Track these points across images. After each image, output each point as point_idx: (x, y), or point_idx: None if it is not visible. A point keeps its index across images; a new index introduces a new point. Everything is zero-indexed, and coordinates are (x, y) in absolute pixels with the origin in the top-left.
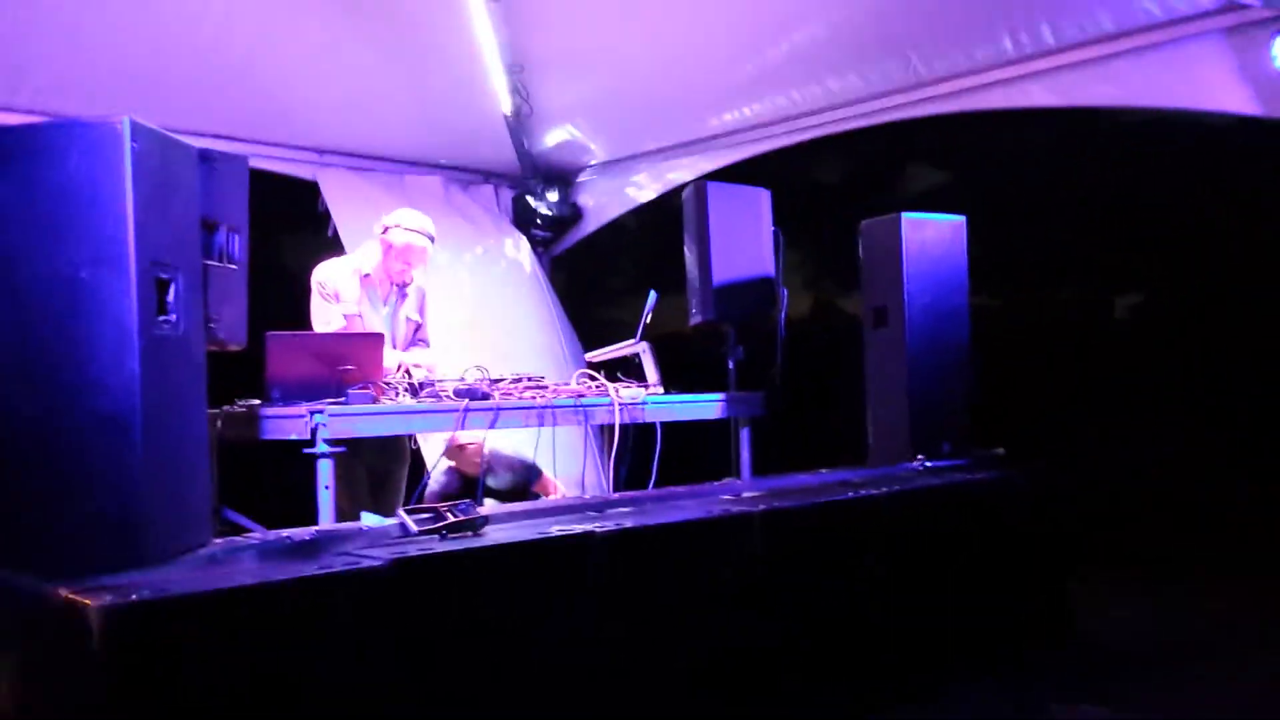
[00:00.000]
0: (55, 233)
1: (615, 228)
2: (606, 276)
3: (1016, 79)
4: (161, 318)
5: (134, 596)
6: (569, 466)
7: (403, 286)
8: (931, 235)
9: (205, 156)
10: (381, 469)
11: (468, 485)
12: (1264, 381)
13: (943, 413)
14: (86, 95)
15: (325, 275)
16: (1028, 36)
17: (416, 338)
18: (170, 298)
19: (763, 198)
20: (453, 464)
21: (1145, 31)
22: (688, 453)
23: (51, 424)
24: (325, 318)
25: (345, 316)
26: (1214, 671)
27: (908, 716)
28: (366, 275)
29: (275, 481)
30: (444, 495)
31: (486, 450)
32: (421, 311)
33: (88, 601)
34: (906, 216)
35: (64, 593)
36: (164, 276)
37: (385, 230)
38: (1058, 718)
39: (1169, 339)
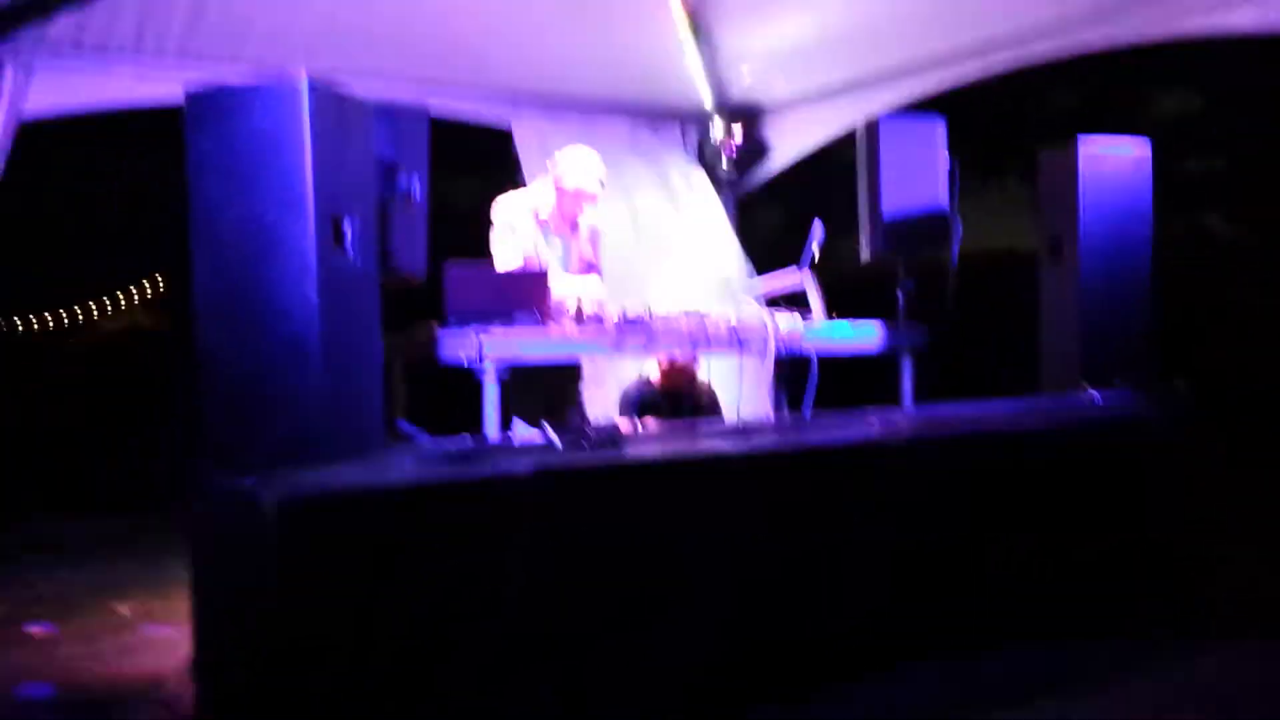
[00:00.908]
0: (247, 183)
1: (802, 166)
2: (793, 215)
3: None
4: (338, 252)
5: (302, 491)
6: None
7: (575, 224)
8: (1111, 161)
9: (386, 109)
10: (553, 397)
11: (664, 399)
12: None
13: (1117, 345)
14: (304, 46)
15: (504, 211)
16: None
17: (590, 274)
18: (346, 236)
19: (937, 128)
20: (654, 378)
21: None
22: (857, 385)
23: (246, 349)
24: (504, 252)
25: (520, 250)
26: None
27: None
28: (537, 211)
29: (465, 402)
30: (637, 402)
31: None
32: (595, 247)
33: (262, 494)
34: (1084, 141)
35: (246, 486)
36: (340, 215)
37: (558, 169)
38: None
39: None
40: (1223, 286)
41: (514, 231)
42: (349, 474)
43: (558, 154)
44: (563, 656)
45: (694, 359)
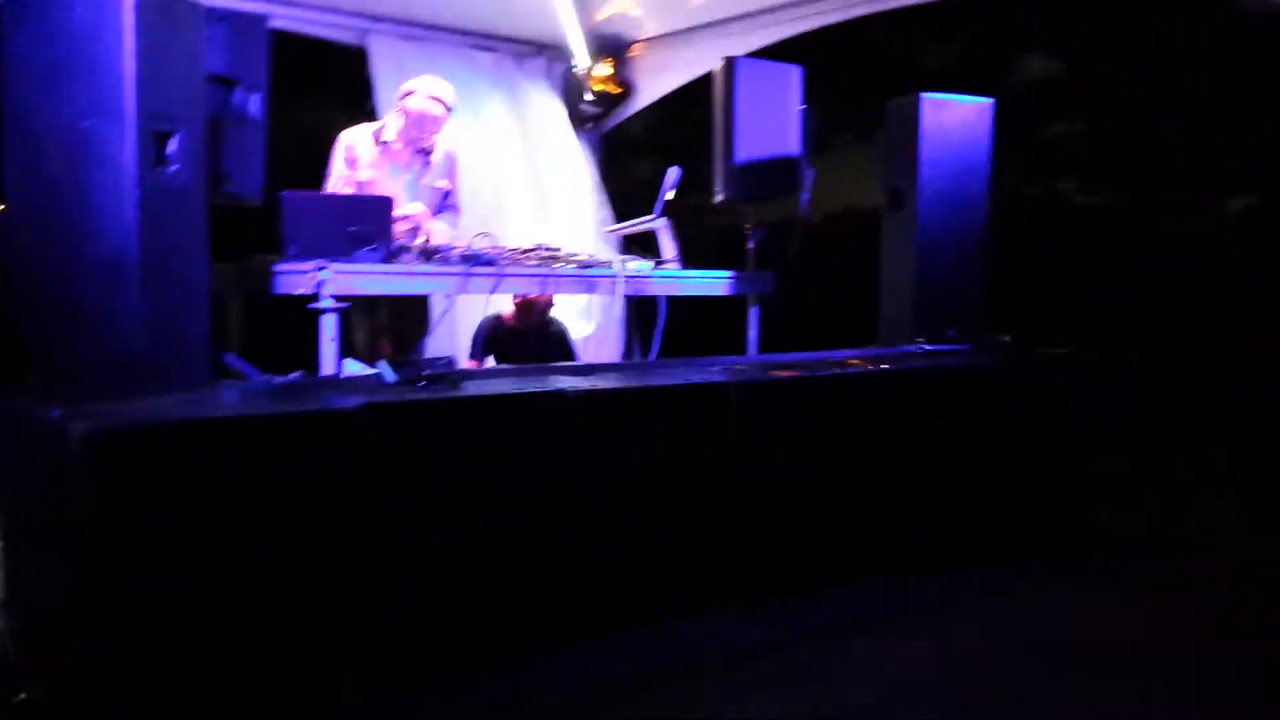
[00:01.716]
0: (62, 83)
1: (665, 104)
2: (654, 154)
3: None
4: (161, 169)
5: (112, 423)
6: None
7: (426, 153)
8: (953, 117)
9: (220, 16)
10: (399, 333)
11: (515, 338)
12: None
13: (952, 299)
14: None
15: (346, 140)
16: None
17: (445, 204)
18: (170, 150)
19: (793, 74)
20: (506, 314)
21: None
22: (705, 332)
23: (60, 267)
24: (334, 183)
25: (357, 184)
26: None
27: (908, 585)
28: (386, 142)
29: (302, 336)
30: (487, 339)
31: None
32: (451, 176)
33: (70, 426)
34: (927, 96)
35: (54, 416)
36: (164, 129)
37: (404, 96)
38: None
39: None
40: (1072, 251)
41: (354, 165)
42: (165, 407)
43: (406, 82)
44: (393, 599)
45: (548, 298)
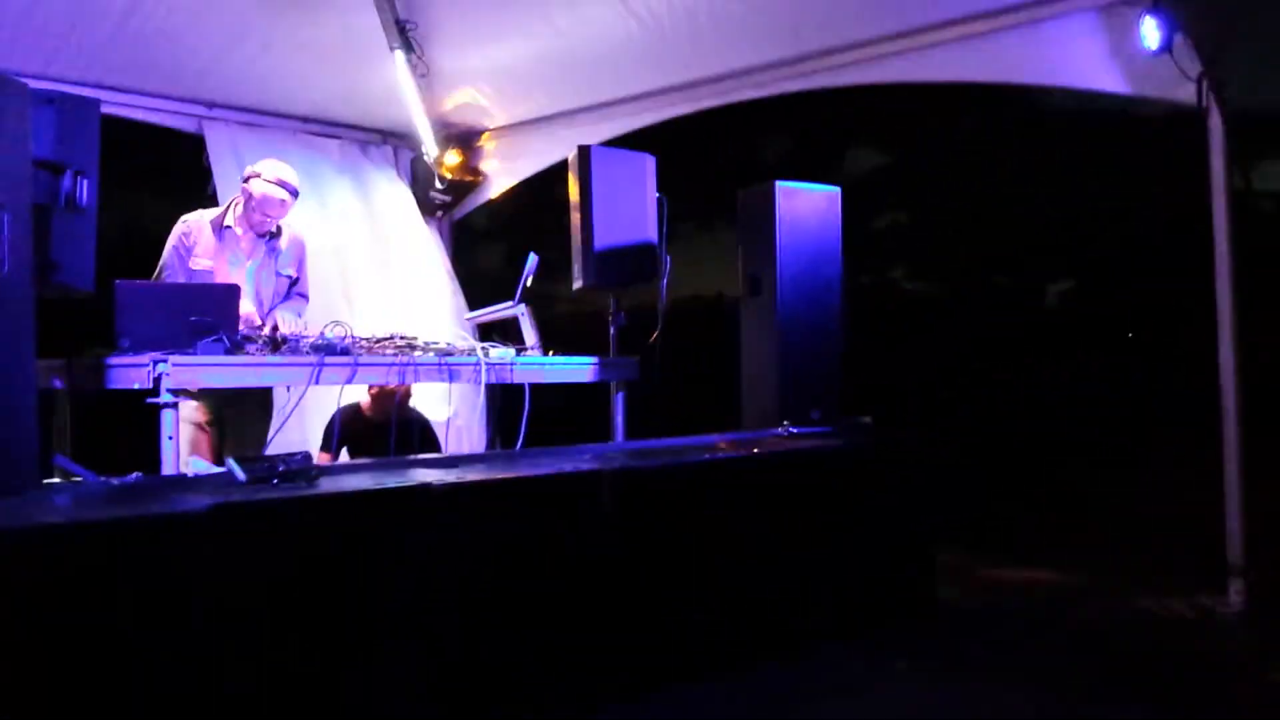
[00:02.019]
0: None
1: (519, 192)
2: (507, 242)
3: (906, 50)
4: None
5: None
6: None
7: (271, 240)
8: (806, 205)
9: (49, 98)
10: (240, 426)
11: (373, 428)
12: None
13: (812, 381)
14: None
15: (181, 228)
16: (917, 12)
17: (293, 292)
18: None
19: (647, 163)
20: (364, 404)
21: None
22: (569, 418)
23: None
24: (164, 273)
25: (190, 273)
26: (1057, 639)
27: (760, 672)
28: (227, 228)
29: (135, 433)
30: (343, 430)
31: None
32: (299, 266)
33: None
34: (781, 185)
35: None
36: None
37: (247, 179)
38: (900, 674)
39: (1075, 325)
40: (905, 335)
41: (189, 252)
42: None
43: (249, 166)
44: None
45: (407, 387)
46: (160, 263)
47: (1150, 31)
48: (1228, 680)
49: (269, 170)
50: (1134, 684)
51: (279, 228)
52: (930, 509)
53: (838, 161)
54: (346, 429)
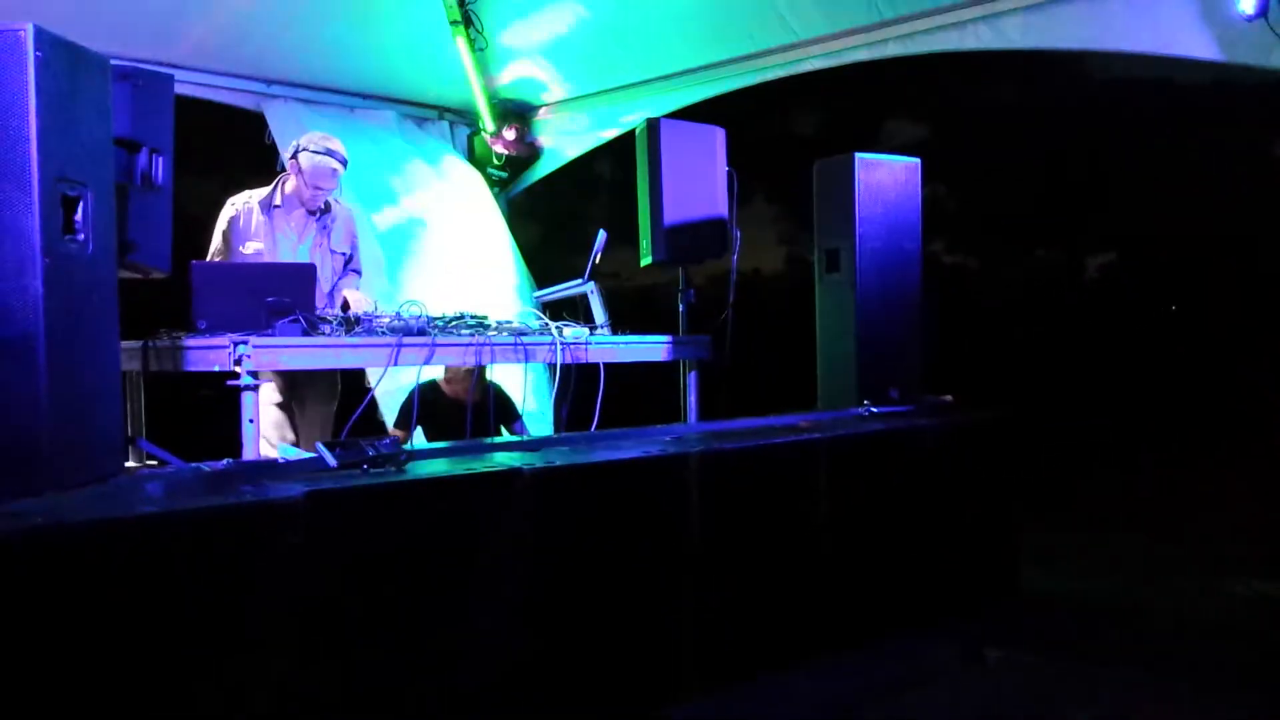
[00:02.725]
0: None
1: (575, 168)
2: (567, 218)
3: (988, 16)
4: (69, 237)
5: (24, 524)
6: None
7: (322, 217)
8: (885, 176)
9: (125, 73)
10: (310, 406)
11: (453, 406)
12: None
13: (892, 358)
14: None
15: (229, 212)
16: None
17: (348, 269)
18: (78, 216)
19: (717, 136)
20: (442, 382)
21: None
22: (638, 397)
23: None
24: (220, 258)
25: (245, 257)
26: (1141, 622)
27: (846, 661)
28: (277, 207)
29: (207, 415)
30: (422, 409)
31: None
32: (351, 242)
33: None
34: (860, 156)
35: None
36: (71, 194)
37: (294, 154)
38: (992, 662)
39: (1135, 300)
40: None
41: (238, 238)
42: (81, 504)
43: (294, 141)
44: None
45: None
46: (212, 248)
47: None
48: None
49: (316, 141)
50: (1210, 666)
51: (327, 204)
52: (1013, 491)
53: (874, 134)
54: (426, 406)
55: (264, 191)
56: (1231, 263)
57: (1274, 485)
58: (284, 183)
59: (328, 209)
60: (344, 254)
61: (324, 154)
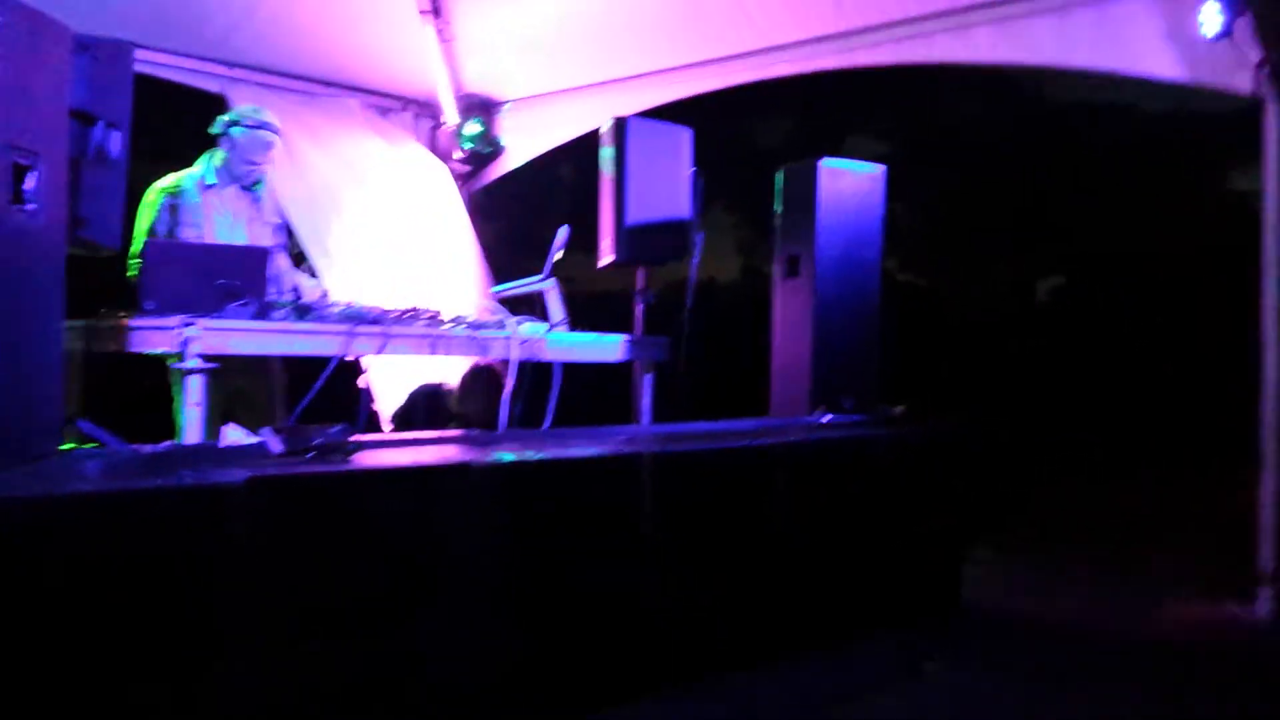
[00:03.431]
0: None
1: (536, 166)
2: (528, 214)
3: (957, 28)
4: (17, 207)
5: None
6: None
7: (251, 189)
8: (849, 184)
9: (85, 44)
10: (246, 390)
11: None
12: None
13: (847, 367)
14: None
15: (161, 199)
16: None
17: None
18: (29, 186)
19: (684, 137)
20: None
21: None
22: (591, 397)
23: None
24: (144, 233)
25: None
26: (1086, 640)
27: (790, 668)
28: (210, 186)
29: (149, 397)
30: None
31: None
32: (278, 209)
33: None
34: (825, 163)
35: None
36: (23, 162)
37: (228, 127)
38: (927, 676)
39: (1086, 320)
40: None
41: (176, 225)
42: (15, 483)
43: (221, 116)
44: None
45: (499, 368)
46: (146, 236)
47: (1211, 16)
48: (1255, 685)
49: (248, 114)
50: (1156, 686)
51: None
52: (961, 504)
53: (834, 148)
54: (439, 409)
55: (194, 172)
56: (1186, 283)
57: (1225, 503)
58: (214, 161)
59: (260, 178)
60: (277, 223)
61: (259, 127)
